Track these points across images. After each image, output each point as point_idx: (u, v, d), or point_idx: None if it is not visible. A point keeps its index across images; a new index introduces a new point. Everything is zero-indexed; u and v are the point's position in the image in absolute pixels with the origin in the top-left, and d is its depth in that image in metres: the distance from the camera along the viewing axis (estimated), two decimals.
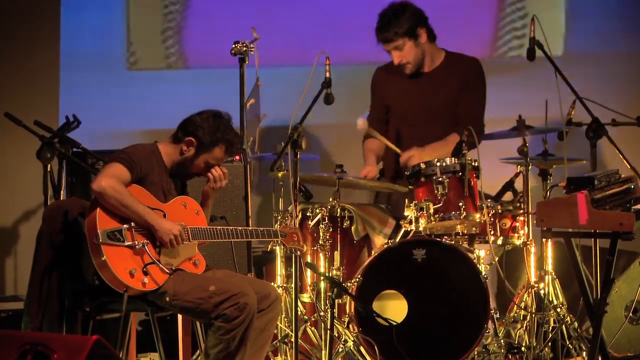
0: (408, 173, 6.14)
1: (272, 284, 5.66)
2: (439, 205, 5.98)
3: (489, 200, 6.14)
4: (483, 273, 5.87)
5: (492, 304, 5.91)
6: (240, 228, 5.39)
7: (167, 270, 5.12)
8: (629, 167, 5.59)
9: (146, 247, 5.10)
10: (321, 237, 6.08)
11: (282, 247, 6.04)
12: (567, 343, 5.94)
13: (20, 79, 7.59)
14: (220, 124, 5.30)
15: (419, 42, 6.58)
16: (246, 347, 5.13)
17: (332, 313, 5.50)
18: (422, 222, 5.95)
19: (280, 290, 5.94)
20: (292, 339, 5.67)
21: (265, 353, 5.33)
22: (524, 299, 6.03)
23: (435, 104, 6.64)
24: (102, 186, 5.03)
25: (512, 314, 6.10)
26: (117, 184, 5.05)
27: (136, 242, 5.08)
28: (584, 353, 5.86)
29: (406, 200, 6.04)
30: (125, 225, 5.08)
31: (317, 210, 6.10)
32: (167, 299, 5.11)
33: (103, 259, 4.99)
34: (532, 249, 6.09)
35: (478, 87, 6.67)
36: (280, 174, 6.12)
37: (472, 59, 6.72)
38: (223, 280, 5.22)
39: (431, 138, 6.59)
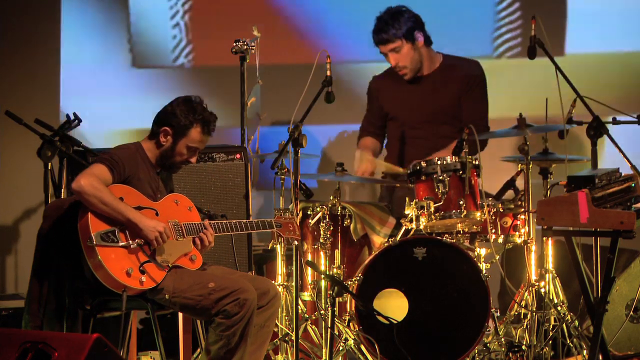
0: (409, 172, 6.14)
1: (273, 282, 5.66)
2: (440, 203, 5.98)
3: (489, 198, 6.14)
4: (484, 271, 5.87)
5: (493, 302, 5.91)
6: (234, 221, 5.37)
7: (164, 267, 5.12)
8: (629, 165, 5.59)
9: (141, 245, 5.09)
10: (322, 236, 6.08)
11: (282, 245, 6.05)
12: (568, 341, 5.94)
13: (21, 77, 7.59)
14: (191, 106, 5.28)
15: (416, 45, 6.58)
16: (246, 343, 5.13)
17: (333, 311, 5.49)
18: (423, 221, 5.95)
19: (280, 289, 5.94)
20: (293, 338, 5.67)
21: (266, 350, 5.33)
22: (525, 298, 6.02)
23: (436, 106, 6.64)
24: (81, 184, 5.00)
25: (512, 313, 6.10)
26: (96, 182, 5.02)
27: (130, 241, 5.08)
28: (585, 352, 5.86)
29: (407, 198, 6.04)
30: (118, 226, 5.07)
31: (318, 209, 6.10)
32: (167, 296, 5.11)
33: (98, 259, 4.97)
34: (533, 248, 6.08)
35: (481, 90, 6.68)
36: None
37: (473, 61, 6.72)
38: (222, 276, 5.22)
39: (435, 138, 6.59)
